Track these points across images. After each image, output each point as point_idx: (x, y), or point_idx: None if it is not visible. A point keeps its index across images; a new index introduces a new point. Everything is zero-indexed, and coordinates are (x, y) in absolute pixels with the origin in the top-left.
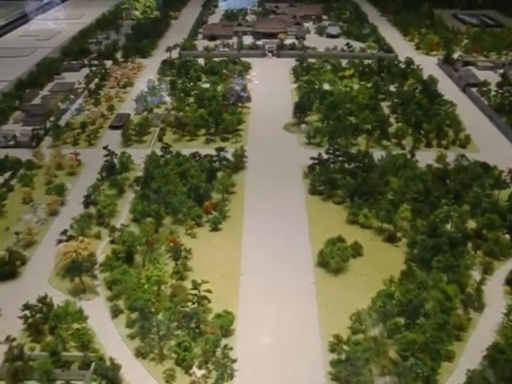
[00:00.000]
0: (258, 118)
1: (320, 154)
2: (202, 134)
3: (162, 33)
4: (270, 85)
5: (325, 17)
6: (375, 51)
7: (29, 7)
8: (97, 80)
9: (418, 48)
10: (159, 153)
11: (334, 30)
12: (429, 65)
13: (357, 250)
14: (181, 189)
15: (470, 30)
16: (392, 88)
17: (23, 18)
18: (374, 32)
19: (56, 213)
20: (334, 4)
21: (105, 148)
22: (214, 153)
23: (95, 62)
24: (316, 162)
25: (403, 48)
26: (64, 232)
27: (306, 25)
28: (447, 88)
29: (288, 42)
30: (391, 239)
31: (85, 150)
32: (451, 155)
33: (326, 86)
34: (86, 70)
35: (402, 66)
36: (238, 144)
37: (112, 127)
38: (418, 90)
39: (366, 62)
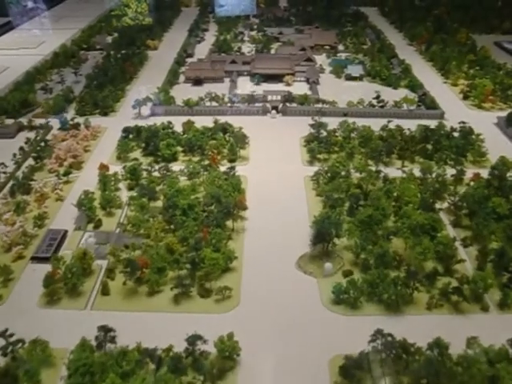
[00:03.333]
0: (256, 244)
1: (362, 353)
2: (171, 280)
3: (135, 72)
4: (273, 170)
5: (340, 47)
6: (414, 106)
7: None
8: (31, 159)
9: (465, 97)
10: (97, 335)
11: (356, 71)
12: (485, 126)
13: None
14: None
15: None
16: (447, 174)
17: None
18: (406, 72)
19: None
20: (351, 28)
21: (2, 334)
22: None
23: (38, 124)
24: (353, 363)
25: (446, 98)
26: None
27: (319, 59)
28: None
29: (296, 85)
30: None
31: None
32: None
33: (357, 174)
34: (24, 136)
35: (455, 133)
36: (225, 304)
37: (35, 259)
38: (486, 181)
39: (404, 126)
